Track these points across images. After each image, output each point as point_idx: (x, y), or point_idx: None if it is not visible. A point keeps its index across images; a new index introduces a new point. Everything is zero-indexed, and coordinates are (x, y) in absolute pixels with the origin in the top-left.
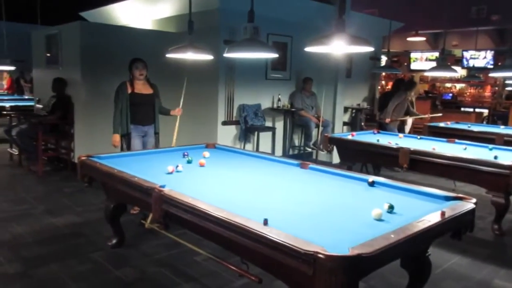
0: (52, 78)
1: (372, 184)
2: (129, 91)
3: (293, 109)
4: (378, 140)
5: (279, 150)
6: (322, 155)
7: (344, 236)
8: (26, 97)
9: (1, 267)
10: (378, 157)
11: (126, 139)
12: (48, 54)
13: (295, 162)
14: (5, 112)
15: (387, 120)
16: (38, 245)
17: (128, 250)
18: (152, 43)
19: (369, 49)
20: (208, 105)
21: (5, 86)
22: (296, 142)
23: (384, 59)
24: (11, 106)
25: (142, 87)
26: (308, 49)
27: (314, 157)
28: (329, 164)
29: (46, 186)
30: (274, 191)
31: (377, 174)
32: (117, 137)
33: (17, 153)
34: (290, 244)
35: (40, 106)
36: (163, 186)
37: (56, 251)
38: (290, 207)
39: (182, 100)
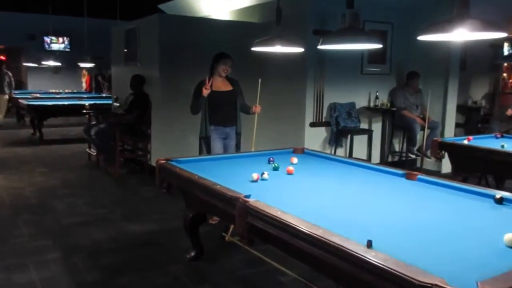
0: (130, 75)
1: (500, 201)
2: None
3: (393, 108)
4: (503, 146)
5: (376, 157)
6: (429, 163)
7: (468, 266)
8: (104, 95)
9: (81, 275)
10: (503, 167)
11: (206, 142)
12: (126, 50)
13: (399, 171)
14: (84, 111)
15: (509, 112)
16: (116, 253)
17: (208, 265)
18: (234, 35)
19: (502, 35)
20: (294, 104)
21: (85, 85)
22: (397, 147)
23: (507, 47)
24: (90, 105)
25: (221, 84)
26: (422, 37)
27: (418, 165)
28: (437, 174)
29: (123, 190)
30: (376, 206)
31: (500, 187)
32: (204, 91)
33: (95, 153)
34: (401, 273)
35: (117, 104)
36: (248, 196)
37: (133, 260)
38: (397, 226)
39: (258, 98)
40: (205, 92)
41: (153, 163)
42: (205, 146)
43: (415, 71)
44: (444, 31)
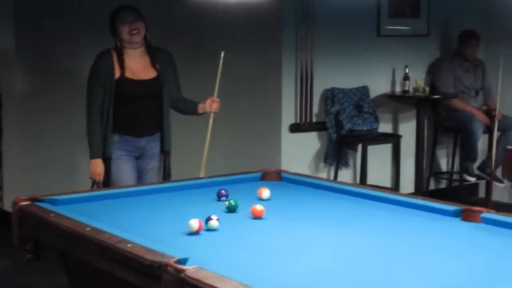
0: None
1: None
2: (117, 74)
3: (436, 96)
4: None
5: (408, 182)
6: (500, 192)
7: None
8: None
9: None
10: None
11: (105, 165)
12: None
13: (450, 207)
14: None
15: None
16: None
17: None
18: None
19: None
20: (261, 94)
21: None
22: (443, 165)
23: None
24: None
25: (136, 65)
26: None
27: (481, 194)
28: None
29: None
30: (411, 272)
31: None
32: (98, 165)
33: None
34: None
35: None
36: (183, 261)
37: None
38: None
39: (217, 88)
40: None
41: (8, 207)
42: (104, 172)
43: (472, 31)
44: None
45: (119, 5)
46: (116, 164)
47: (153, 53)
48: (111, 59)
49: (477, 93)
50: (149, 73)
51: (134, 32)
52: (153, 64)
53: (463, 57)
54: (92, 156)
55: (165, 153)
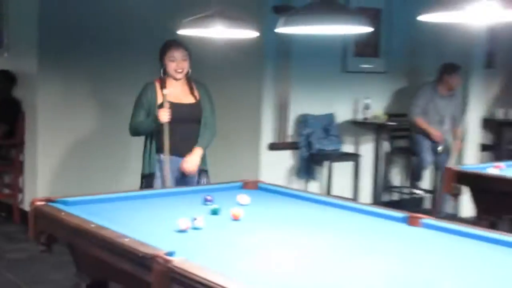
0: None
1: None
2: (159, 100)
3: (391, 123)
4: None
5: (366, 194)
6: (450, 205)
7: None
8: None
9: None
10: None
11: (147, 182)
12: None
13: (398, 214)
14: None
15: None
16: None
17: None
18: (153, 11)
19: None
20: (244, 117)
21: None
22: (396, 180)
23: None
24: None
25: (179, 92)
26: (425, 17)
27: (428, 205)
28: (454, 218)
29: None
30: (365, 268)
31: None
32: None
33: None
34: None
35: None
36: (171, 254)
37: None
38: None
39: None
40: (163, 116)
41: (27, 207)
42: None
43: (455, 64)
44: (456, 8)
45: (171, 39)
46: (158, 182)
47: (192, 84)
48: (154, 89)
49: (442, 122)
50: (189, 99)
51: (179, 71)
52: (192, 92)
53: (445, 85)
54: (154, 118)
55: (202, 172)
